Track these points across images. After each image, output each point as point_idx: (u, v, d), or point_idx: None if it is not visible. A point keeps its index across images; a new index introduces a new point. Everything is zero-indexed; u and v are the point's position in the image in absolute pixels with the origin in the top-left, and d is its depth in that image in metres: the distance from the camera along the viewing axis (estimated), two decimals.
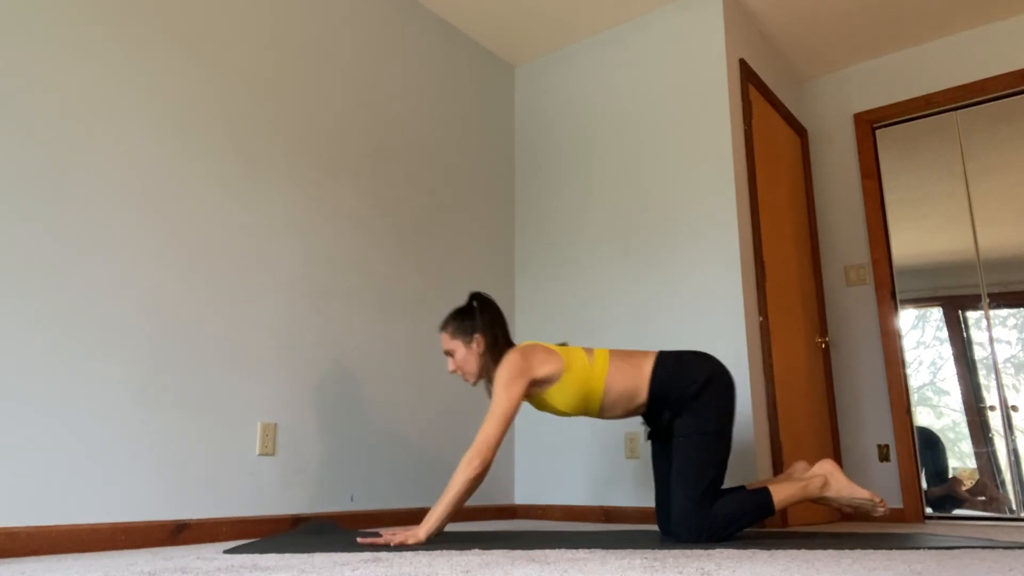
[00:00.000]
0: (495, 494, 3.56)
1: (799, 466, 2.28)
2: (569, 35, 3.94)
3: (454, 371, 2.29)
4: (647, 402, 2.19)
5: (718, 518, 2.06)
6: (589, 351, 2.24)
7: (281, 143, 2.85)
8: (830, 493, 2.14)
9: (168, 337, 2.37)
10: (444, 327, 2.30)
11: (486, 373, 2.26)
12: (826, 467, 2.20)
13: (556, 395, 2.18)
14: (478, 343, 2.24)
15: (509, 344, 2.28)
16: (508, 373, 2.11)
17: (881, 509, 2.13)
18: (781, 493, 2.13)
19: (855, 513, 2.33)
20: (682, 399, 2.15)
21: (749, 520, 2.09)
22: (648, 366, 2.18)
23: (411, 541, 1.96)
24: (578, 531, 2.58)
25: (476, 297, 2.31)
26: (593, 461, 3.44)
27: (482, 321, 2.25)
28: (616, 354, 2.23)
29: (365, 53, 3.30)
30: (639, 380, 2.17)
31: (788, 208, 3.85)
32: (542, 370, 2.15)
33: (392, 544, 1.93)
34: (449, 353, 2.28)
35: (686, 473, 2.09)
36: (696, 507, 2.06)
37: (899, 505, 3.64)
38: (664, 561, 1.55)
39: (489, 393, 2.31)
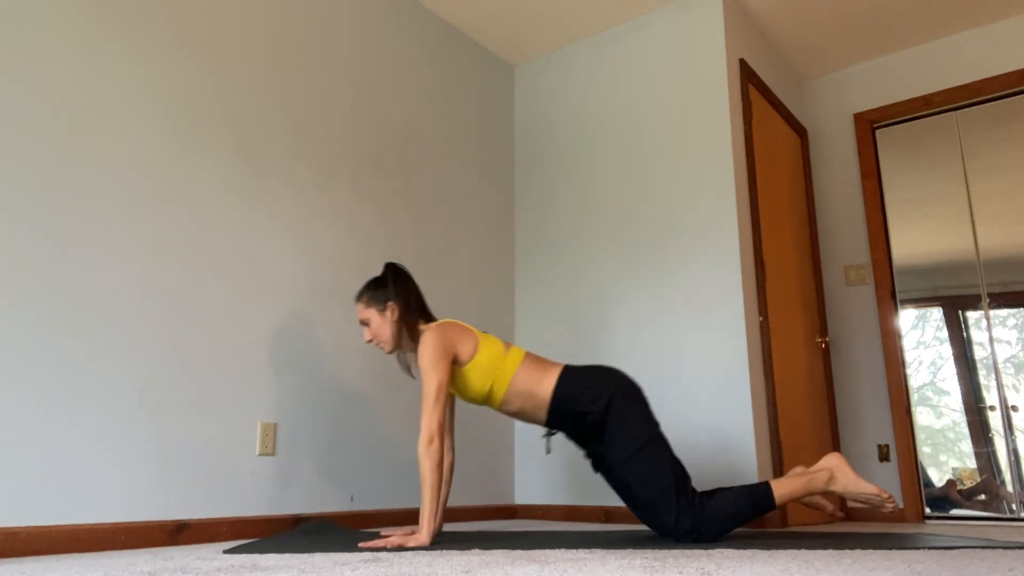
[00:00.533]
0: (495, 494, 3.56)
1: (797, 470, 2.25)
2: (569, 35, 3.94)
3: (370, 341, 2.30)
4: (548, 411, 2.18)
5: (717, 517, 2.05)
6: (508, 345, 2.25)
7: (281, 143, 2.85)
8: (836, 488, 2.09)
9: (168, 337, 2.37)
10: (359, 297, 2.31)
11: (399, 342, 2.28)
12: (832, 460, 2.14)
13: (467, 376, 2.19)
14: (392, 311, 2.25)
15: (424, 313, 2.30)
16: (431, 351, 2.12)
17: (890, 505, 2.07)
18: (783, 488, 2.10)
19: (830, 513, 2.29)
20: (590, 422, 2.14)
21: (750, 515, 2.07)
22: (552, 378, 2.18)
23: (412, 544, 1.96)
24: (578, 531, 2.58)
25: (390, 267, 2.34)
26: None
27: (395, 289, 2.27)
28: (530, 357, 2.24)
29: (365, 53, 3.30)
30: (542, 389, 2.18)
31: (788, 208, 3.85)
32: (460, 347, 2.17)
33: (390, 547, 1.92)
34: (364, 323, 2.30)
35: (650, 493, 2.08)
36: (680, 513, 2.05)
37: (899, 505, 3.64)
38: (664, 561, 1.55)
39: (403, 366, 2.36)
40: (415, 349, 2.26)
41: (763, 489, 2.10)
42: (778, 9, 3.71)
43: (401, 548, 1.91)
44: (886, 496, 2.05)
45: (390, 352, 2.30)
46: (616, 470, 2.14)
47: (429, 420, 2.05)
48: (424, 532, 1.98)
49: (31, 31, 2.17)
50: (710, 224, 3.31)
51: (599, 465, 2.25)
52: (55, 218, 2.15)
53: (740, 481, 3.02)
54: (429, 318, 2.32)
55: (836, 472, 2.11)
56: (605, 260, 3.62)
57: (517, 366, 2.19)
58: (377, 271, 3.15)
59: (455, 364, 2.18)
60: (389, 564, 1.53)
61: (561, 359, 3.65)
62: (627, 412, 2.13)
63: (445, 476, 2.34)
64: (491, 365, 2.18)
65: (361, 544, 1.93)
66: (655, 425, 2.16)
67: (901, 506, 3.63)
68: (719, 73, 3.43)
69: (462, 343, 2.18)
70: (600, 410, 2.13)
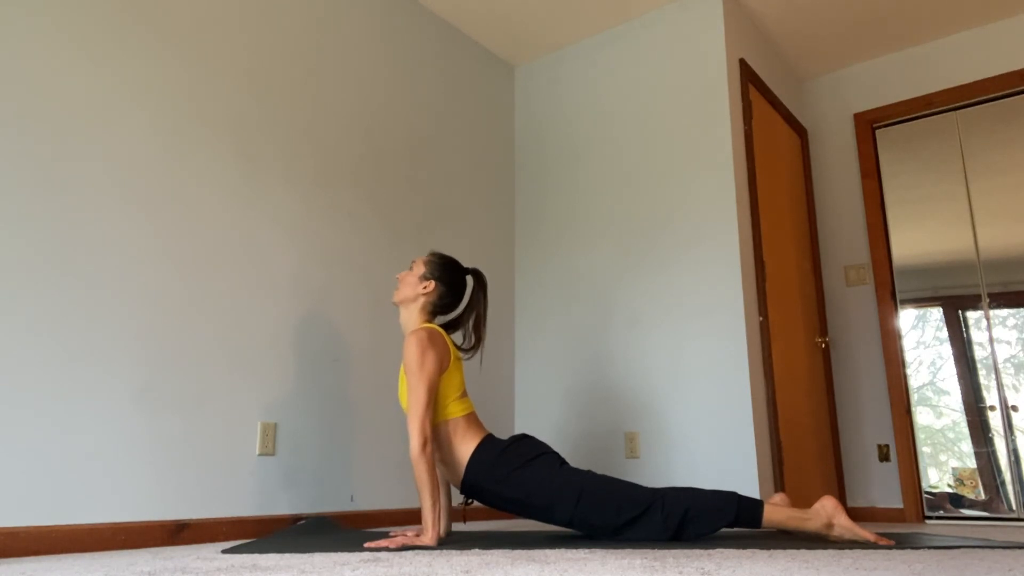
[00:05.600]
0: None
1: (776, 499, 2.19)
2: (569, 35, 3.94)
3: (398, 278, 2.36)
4: (464, 475, 2.18)
5: (692, 510, 2.02)
6: (464, 394, 2.26)
7: (280, 144, 2.85)
8: (832, 535, 2.02)
9: (168, 337, 2.37)
10: (430, 252, 2.36)
11: (405, 304, 2.32)
12: (828, 508, 2.03)
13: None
14: (427, 287, 2.29)
15: (437, 316, 2.34)
16: (418, 351, 2.12)
17: (883, 544, 1.97)
18: (776, 514, 2.04)
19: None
20: (495, 487, 2.14)
21: (730, 521, 2.03)
22: (470, 448, 2.19)
23: (416, 543, 1.95)
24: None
25: (472, 270, 2.38)
26: (593, 461, 3.43)
27: (450, 283, 2.31)
28: (471, 417, 2.24)
29: (365, 53, 3.30)
30: (462, 450, 2.19)
31: (788, 208, 3.85)
32: (442, 359, 2.19)
33: (395, 547, 1.92)
34: (410, 268, 2.36)
35: (595, 521, 2.07)
36: (629, 523, 2.04)
37: (899, 505, 3.64)
38: (664, 561, 1.55)
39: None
40: (406, 324, 2.31)
41: (753, 505, 2.05)
42: (778, 9, 3.71)
43: (405, 548, 1.91)
44: (884, 541, 1.96)
45: (394, 300, 2.35)
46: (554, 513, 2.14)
47: (421, 424, 2.05)
48: (429, 533, 1.98)
49: (31, 33, 2.17)
50: (710, 224, 3.30)
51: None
52: (55, 218, 2.14)
53: (740, 482, 3.01)
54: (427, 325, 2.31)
55: (833, 521, 2.02)
56: (605, 260, 3.62)
57: (457, 415, 2.20)
58: (377, 271, 3.15)
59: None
60: (389, 564, 1.53)
61: (561, 359, 3.65)
62: (521, 469, 2.13)
63: (443, 477, 2.34)
64: (443, 393, 2.20)
65: (367, 544, 1.93)
66: (542, 454, 2.17)
67: (900, 506, 3.63)
68: (719, 73, 3.43)
69: (444, 356, 2.20)
70: (502, 479, 2.14)
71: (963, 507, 3.52)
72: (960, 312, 3.69)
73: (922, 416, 3.71)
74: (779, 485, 3.12)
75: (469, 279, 2.40)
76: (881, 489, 3.71)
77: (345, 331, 2.96)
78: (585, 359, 3.58)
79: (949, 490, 3.58)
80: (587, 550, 1.80)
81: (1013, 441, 3.45)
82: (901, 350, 3.79)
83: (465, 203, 3.71)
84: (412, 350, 2.13)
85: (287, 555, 1.76)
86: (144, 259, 2.35)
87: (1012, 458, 3.43)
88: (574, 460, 3.50)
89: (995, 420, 3.51)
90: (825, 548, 1.82)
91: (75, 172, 2.21)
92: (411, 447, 2.03)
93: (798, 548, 1.82)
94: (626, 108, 3.71)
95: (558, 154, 3.93)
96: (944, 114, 3.91)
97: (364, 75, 3.27)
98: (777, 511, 2.05)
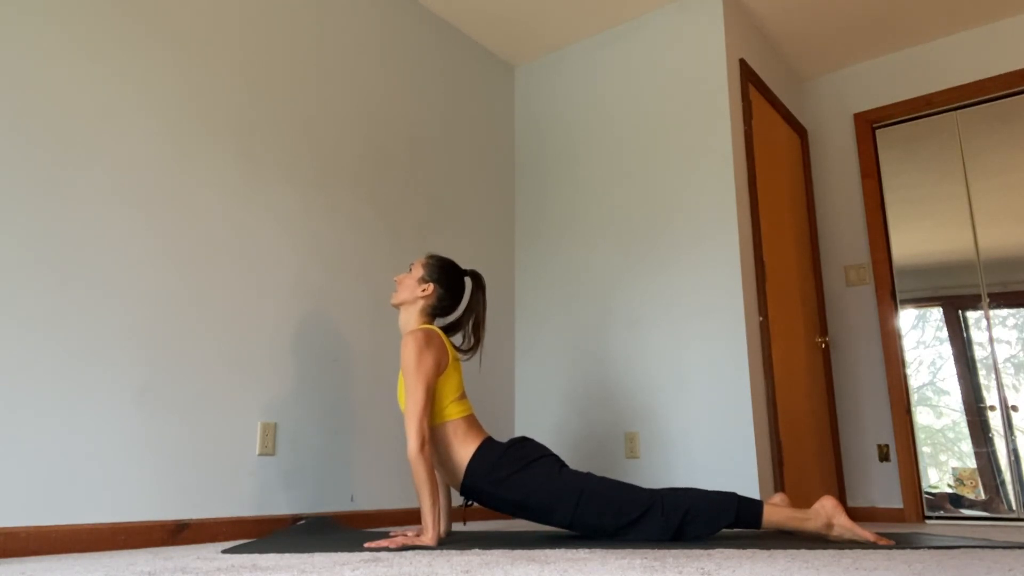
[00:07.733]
0: None
1: (776, 499, 2.19)
2: (569, 35, 3.94)
3: (396, 280, 2.36)
4: (463, 478, 2.18)
5: (692, 511, 2.02)
6: (463, 395, 2.26)
7: (281, 144, 2.85)
8: (832, 535, 2.01)
9: (168, 337, 2.37)
10: (428, 255, 2.35)
11: (404, 306, 2.32)
12: (828, 508, 2.02)
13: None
14: (425, 290, 2.29)
15: (436, 319, 2.34)
16: (415, 352, 2.12)
17: (883, 544, 1.97)
18: (776, 515, 2.04)
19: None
20: (494, 490, 2.14)
21: (730, 521, 2.03)
22: (470, 450, 2.18)
23: (416, 543, 1.95)
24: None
25: (470, 271, 2.38)
26: (593, 461, 3.44)
27: (449, 285, 2.31)
28: (470, 419, 2.23)
29: (365, 53, 3.30)
30: (461, 453, 2.19)
31: (788, 208, 3.85)
32: (440, 358, 2.19)
33: (395, 547, 1.92)
34: (409, 270, 2.36)
35: (595, 523, 2.07)
36: (628, 525, 2.04)
37: (899, 505, 3.64)
38: (664, 561, 1.55)
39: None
40: (404, 327, 2.31)
41: (752, 505, 2.04)
42: (778, 9, 3.71)
43: (405, 548, 1.91)
44: (884, 541, 1.95)
45: (393, 303, 2.35)
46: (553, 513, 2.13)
47: (419, 425, 2.05)
48: (429, 533, 1.98)
49: (32, 34, 2.17)
50: (710, 224, 3.31)
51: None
52: (56, 218, 2.14)
53: (740, 482, 3.01)
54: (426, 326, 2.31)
55: (833, 521, 2.01)
56: (605, 260, 3.62)
57: (455, 416, 2.20)
58: (378, 271, 3.15)
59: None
60: (389, 564, 1.53)
61: (561, 359, 3.65)
62: (519, 473, 2.13)
63: (442, 477, 2.34)
64: (442, 393, 2.19)
65: (367, 544, 1.93)
66: (540, 457, 2.16)
67: (900, 506, 3.63)
68: (719, 73, 3.43)
69: (442, 357, 2.20)
70: (500, 482, 2.13)
71: (963, 507, 3.52)
72: (960, 312, 3.69)
73: (922, 416, 3.71)
74: (779, 485, 3.12)
75: (468, 281, 2.40)
76: (881, 489, 3.71)
77: (345, 331, 2.96)
78: (585, 359, 3.58)
79: (949, 490, 3.58)
80: (587, 550, 1.80)
81: (1013, 441, 3.45)
82: (901, 350, 3.79)
83: (465, 203, 3.71)
84: (409, 351, 2.13)
85: (287, 555, 1.76)
86: (144, 259, 2.35)
87: (1012, 458, 3.43)
88: (574, 460, 3.50)
89: (995, 420, 3.51)
90: (825, 548, 1.81)
91: (75, 172, 2.21)
92: (409, 448, 2.03)
93: (798, 548, 1.82)
94: (626, 108, 3.71)
95: (558, 154, 3.93)
96: (944, 114, 3.91)
97: (364, 75, 3.27)
98: (777, 511, 2.05)
